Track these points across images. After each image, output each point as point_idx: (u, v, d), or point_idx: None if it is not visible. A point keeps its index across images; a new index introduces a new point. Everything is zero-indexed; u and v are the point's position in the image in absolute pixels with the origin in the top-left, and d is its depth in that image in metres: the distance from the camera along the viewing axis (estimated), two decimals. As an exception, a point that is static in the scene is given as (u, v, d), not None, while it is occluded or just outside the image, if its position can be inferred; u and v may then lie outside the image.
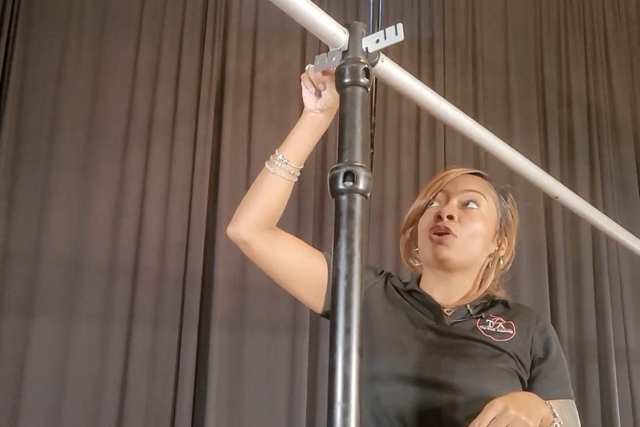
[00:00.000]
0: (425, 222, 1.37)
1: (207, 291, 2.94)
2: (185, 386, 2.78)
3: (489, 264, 1.40)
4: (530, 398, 1.14)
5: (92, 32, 3.13)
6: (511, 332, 1.30)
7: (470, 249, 1.34)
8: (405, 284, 1.42)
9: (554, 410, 1.17)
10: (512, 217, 1.43)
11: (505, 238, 1.41)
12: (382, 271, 1.46)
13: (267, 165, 1.27)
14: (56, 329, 2.76)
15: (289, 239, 1.33)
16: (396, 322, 1.32)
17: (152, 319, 2.85)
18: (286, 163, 1.25)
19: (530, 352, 1.29)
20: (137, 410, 2.74)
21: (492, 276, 1.39)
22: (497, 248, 1.40)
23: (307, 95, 1.23)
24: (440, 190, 1.38)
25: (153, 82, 3.14)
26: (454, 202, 1.35)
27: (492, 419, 1.06)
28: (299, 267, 1.31)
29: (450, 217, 1.32)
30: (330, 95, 1.21)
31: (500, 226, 1.40)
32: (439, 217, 1.33)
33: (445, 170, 1.43)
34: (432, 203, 1.38)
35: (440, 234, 1.32)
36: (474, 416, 1.08)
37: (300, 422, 2.87)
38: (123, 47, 3.15)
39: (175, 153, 3.06)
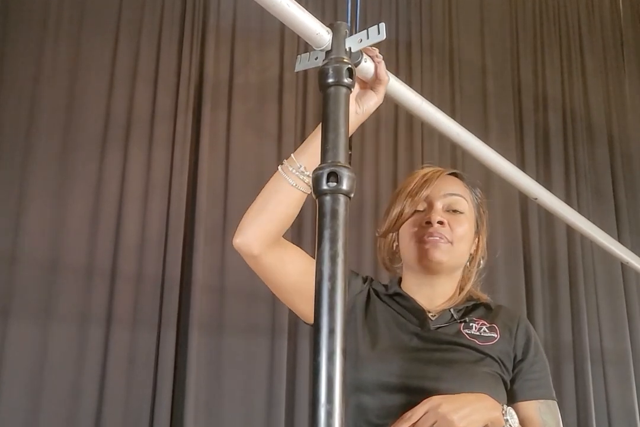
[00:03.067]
0: (412, 228, 1.34)
1: (186, 292, 2.92)
2: (163, 388, 2.76)
3: (467, 263, 1.40)
4: (477, 400, 1.14)
5: (69, 33, 3.10)
6: (495, 335, 1.30)
7: (460, 253, 1.34)
8: (386, 287, 1.40)
9: (509, 416, 1.16)
10: (483, 211, 1.43)
11: (480, 236, 1.41)
12: (367, 277, 1.44)
13: (282, 173, 1.14)
14: (33, 331, 2.72)
15: (296, 251, 1.27)
16: (380, 330, 1.31)
17: (130, 322, 2.82)
18: (302, 172, 1.13)
19: (512, 354, 1.29)
20: (115, 412, 2.71)
21: (472, 276, 1.39)
22: (475, 248, 1.41)
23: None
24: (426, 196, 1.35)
25: (131, 83, 3.11)
26: (439, 206, 1.34)
27: (425, 414, 1.08)
28: (303, 280, 1.24)
29: (441, 223, 1.31)
30: (376, 100, 1.24)
31: (477, 226, 1.40)
32: (428, 223, 1.31)
33: (422, 172, 1.39)
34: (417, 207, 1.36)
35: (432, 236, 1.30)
36: None
37: (278, 425, 2.86)
38: (100, 48, 3.12)
39: (153, 154, 3.03)
